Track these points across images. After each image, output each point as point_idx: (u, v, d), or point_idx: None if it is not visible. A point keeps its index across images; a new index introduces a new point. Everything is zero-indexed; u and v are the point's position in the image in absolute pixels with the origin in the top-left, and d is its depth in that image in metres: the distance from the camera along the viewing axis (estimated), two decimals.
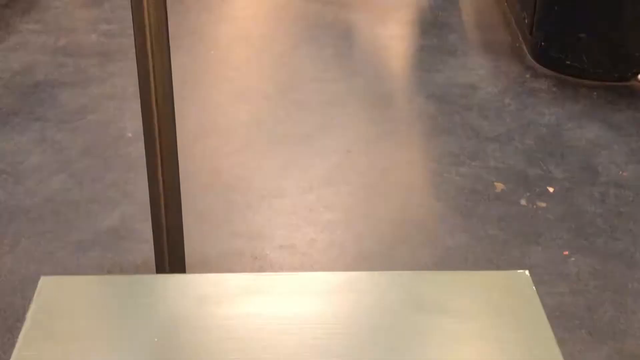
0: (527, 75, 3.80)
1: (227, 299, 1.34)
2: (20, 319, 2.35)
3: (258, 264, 2.61)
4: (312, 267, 2.60)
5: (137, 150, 3.16)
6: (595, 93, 3.65)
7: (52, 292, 1.33)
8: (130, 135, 3.29)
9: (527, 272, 1.40)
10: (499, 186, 3.01)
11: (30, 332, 1.24)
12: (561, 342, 2.30)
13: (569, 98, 3.61)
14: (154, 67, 1.86)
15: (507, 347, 1.26)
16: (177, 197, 2.07)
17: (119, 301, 1.32)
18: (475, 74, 3.81)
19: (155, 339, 1.24)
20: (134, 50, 2.02)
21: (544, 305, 2.41)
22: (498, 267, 2.59)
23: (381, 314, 1.33)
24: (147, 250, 2.62)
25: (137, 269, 2.55)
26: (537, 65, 3.85)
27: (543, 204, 2.91)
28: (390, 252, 2.68)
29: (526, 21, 3.93)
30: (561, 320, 2.39)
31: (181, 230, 2.15)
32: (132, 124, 3.35)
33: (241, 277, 1.40)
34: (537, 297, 1.35)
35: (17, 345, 1.21)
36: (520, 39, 4.03)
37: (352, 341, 1.27)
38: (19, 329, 2.31)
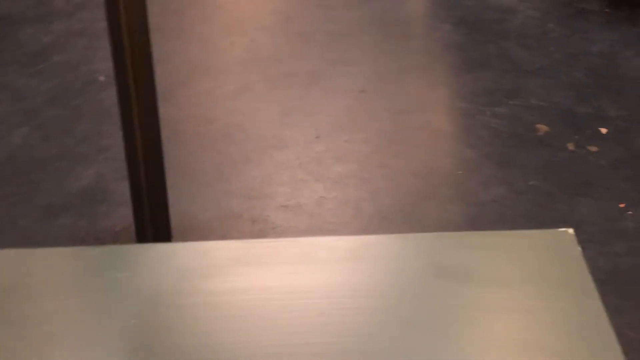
0: None
1: (217, 271, 1.34)
2: None
3: (258, 228, 2.61)
4: (321, 230, 2.61)
5: (112, 96, 3.15)
6: None
7: (11, 268, 1.33)
8: (102, 78, 3.28)
9: (570, 230, 1.39)
10: (542, 128, 2.99)
11: None
12: (617, 311, 2.31)
13: (626, 20, 3.56)
14: None
15: (548, 318, 1.26)
16: (158, 151, 2.07)
17: (89, 277, 1.32)
18: None
19: (133, 321, 1.24)
20: None
21: (597, 268, 2.42)
22: (542, 225, 2.59)
23: (400, 285, 1.33)
24: (127, 214, 2.63)
25: (116, 237, 2.56)
26: None
27: (594, 148, 2.90)
28: (414, 211, 2.68)
29: None
30: (617, 285, 2.39)
31: (164, 190, 2.15)
32: (106, 65, 3.33)
33: (233, 245, 1.40)
34: (583, 260, 1.34)
35: None
36: None
37: (365, 317, 1.27)
38: None
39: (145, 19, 1.87)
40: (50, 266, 1.35)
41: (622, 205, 2.66)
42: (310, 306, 1.29)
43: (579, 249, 1.36)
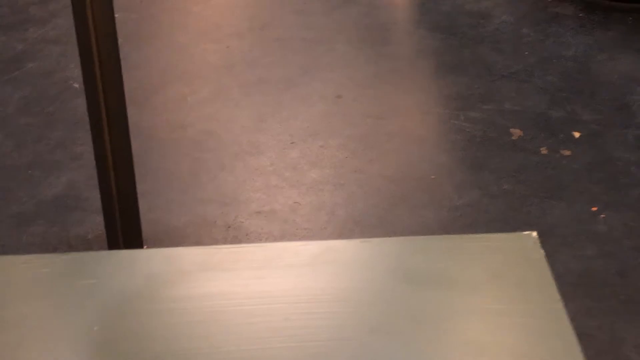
0: None
1: (182, 276, 1.34)
2: None
3: (232, 234, 2.62)
4: (295, 236, 2.61)
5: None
6: (630, 18, 3.62)
7: None
8: (77, 86, 3.28)
9: (534, 233, 1.40)
10: (516, 133, 3.01)
11: None
12: (589, 314, 2.33)
13: (599, 25, 3.59)
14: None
15: (511, 320, 1.27)
16: (128, 158, 2.07)
17: (52, 284, 1.32)
18: None
19: (95, 328, 1.25)
20: None
21: (569, 271, 2.44)
22: (515, 228, 2.60)
23: (365, 289, 1.33)
24: (100, 222, 2.63)
25: (89, 245, 2.56)
26: None
27: (567, 152, 2.91)
28: (388, 216, 2.69)
29: None
30: (589, 288, 2.41)
31: (135, 197, 2.15)
32: (80, 72, 3.33)
33: (199, 251, 1.41)
34: (546, 263, 1.35)
35: None
36: None
37: (330, 321, 1.28)
38: None
39: (113, 26, 1.87)
40: (17, 273, 1.35)
41: (594, 209, 2.68)
42: (275, 311, 1.29)
43: (542, 251, 1.37)
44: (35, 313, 1.28)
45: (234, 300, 1.31)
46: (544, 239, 1.38)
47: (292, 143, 2.99)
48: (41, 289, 1.32)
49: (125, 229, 2.13)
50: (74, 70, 3.35)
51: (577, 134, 2.99)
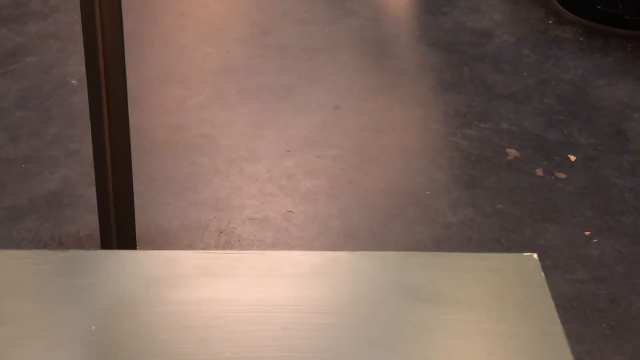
0: (550, 22, 3.79)
1: (182, 280, 1.34)
2: None
3: (224, 240, 2.61)
4: (287, 245, 2.61)
5: (84, 100, 3.14)
6: (629, 45, 3.64)
7: None
8: (75, 82, 3.27)
9: (535, 255, 1.40)
10: (512, 153, 3.02)
11: None
12: (579, 338, 2.33)
13: (599, 50, 3.61)
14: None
15: (508, 341, 1.27)
16: (127, 157, 2.07)
17: (50, 281, 1.32)
18: (489, 18, 3.79)
19: (93, 327, 1.24)
20: None
21: (560, 294, 2.44)
22: (507, 248, 2.61)
23: (364, 302, 1.33)
24: (92, 220, 2.62)
25: (80, 243, 2.55)
26: (562, 10, 3.83)
27: (563, 175, 2.92)
28: (382, 229, 2.69)
29: None
30: (579, 312, 2.42)
31: (131, 197, 2.15)
32: (78, 68, 3.33)
33: (200, 255, 1.40)
34: (546, 285, 1.36)
35: None
36: None
37: (329, 333, 1.28)
38: None
39: (119, 23, 1.87)
40: (11, 268, 1.34)
41: (587, 233, 2.69)
42: (274, 319, 1.29)
43: (542, 274, 1.38)
44: (33, 309, 1.27)
45: (233, 306, 1.31)
46: None
47: (288, 151, 2.99)
48: (39, 286, 1.31)
49: (119, 229, 2.12)
50: (73, 66, 3.35)
51: (573, 158, 3.00)
